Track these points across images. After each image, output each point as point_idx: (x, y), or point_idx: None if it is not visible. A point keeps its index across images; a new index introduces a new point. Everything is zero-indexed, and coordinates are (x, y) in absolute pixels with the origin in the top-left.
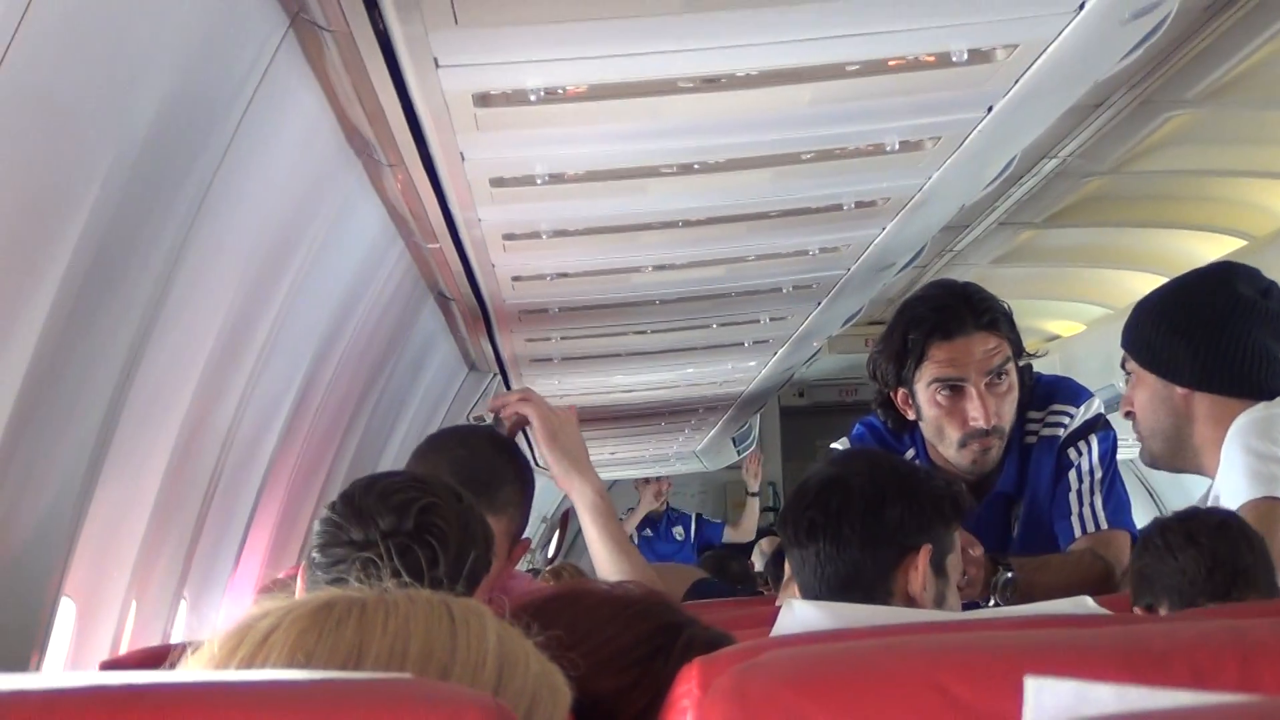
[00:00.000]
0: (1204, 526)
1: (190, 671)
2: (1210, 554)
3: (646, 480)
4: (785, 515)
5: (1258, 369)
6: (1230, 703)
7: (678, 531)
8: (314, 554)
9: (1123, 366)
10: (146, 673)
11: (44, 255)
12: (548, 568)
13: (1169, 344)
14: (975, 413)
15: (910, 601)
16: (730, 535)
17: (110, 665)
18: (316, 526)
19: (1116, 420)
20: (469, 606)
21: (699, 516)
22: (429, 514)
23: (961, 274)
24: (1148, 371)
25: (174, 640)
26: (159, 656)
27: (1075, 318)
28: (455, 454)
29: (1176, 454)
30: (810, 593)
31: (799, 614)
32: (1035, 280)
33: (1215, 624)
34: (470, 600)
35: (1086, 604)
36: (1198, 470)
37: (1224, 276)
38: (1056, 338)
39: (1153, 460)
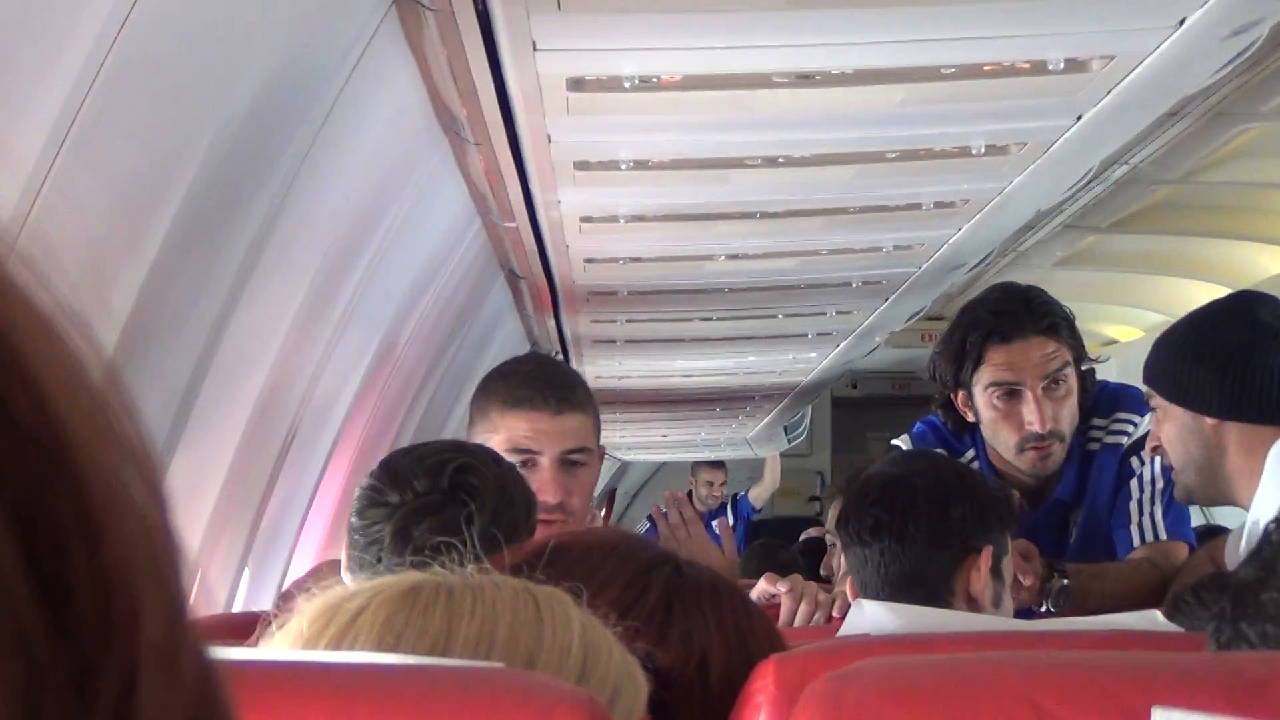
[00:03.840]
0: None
1: (280, 650)
2: None
3: (698, 466)
4: (847, 513)
5: None
6: None
7: (717, 525)
8: (352, 519)
9: (1147, 403)
10: (236, 649)
11: (149, 217)
12: None
13: (1194, 375)
14: (1031, 417)
15: (971, 602)
16: (756, 494)
17: None
18: (356, 493)
19: None
20: (552, 594)
21: (733, 498)
22: (464, 474)
23: (1023, 275)
24: (1174, 405)
25: (235, 609)
26: (219, 627)
27: (1134, 324)
28: (526, 368)
29: (1210, 485)
30: (871, 591)
31: (869, 614)
32: (1096, 285)
33: None
34: (553, 588)
35: (1155, 619)
36: (1232, 500)
37: (1245, 306)
38: (1114, 343)
39: (1188, 495)
